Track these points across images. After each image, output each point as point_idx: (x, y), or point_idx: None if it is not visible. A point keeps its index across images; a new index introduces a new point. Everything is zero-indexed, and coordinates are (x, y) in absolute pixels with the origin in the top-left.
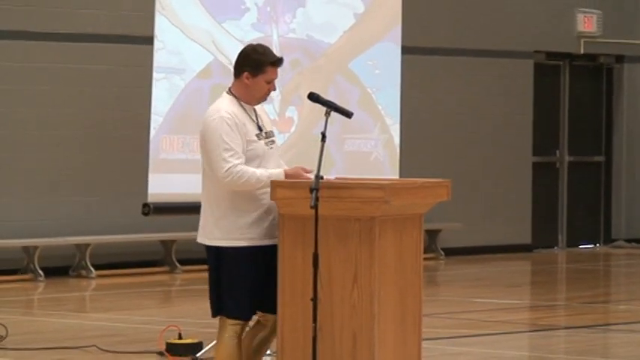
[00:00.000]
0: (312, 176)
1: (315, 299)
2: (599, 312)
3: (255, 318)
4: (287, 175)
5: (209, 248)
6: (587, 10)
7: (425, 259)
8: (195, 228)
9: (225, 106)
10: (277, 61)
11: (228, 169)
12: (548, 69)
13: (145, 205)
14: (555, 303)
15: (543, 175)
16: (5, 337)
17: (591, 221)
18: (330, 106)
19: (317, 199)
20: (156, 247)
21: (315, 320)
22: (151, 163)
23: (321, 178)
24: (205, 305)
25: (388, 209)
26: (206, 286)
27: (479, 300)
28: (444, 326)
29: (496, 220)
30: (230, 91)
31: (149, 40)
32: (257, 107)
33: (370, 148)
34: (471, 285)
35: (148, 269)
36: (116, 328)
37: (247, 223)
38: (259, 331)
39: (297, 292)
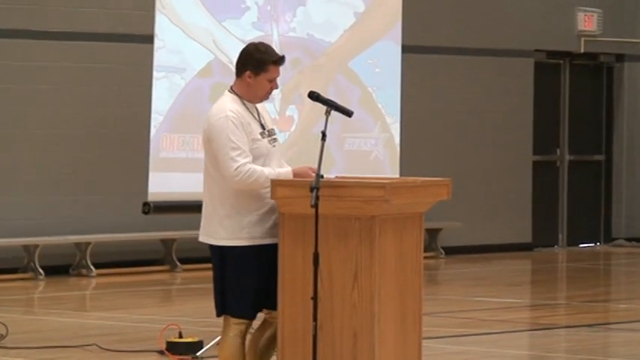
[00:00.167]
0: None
1: (315, 298)
2: (599, 311)
3: (260, 317)
4: (295, 174)
5: (213, 247)
6: (587, 8)
7: (425, 258)
8: (196, 227)
9: (229, 105)
10: (279, 60)
11: (237, 168)
12: (548, 68)
13: (146, 203)
14: (556, 302)
15: (544, 174)
16: (5, 336)
17: (592, 220)
18: (331, 105)
19: (317, 198)
20: (156, 245)
21: (315, 319)
22: (151, 162)
23: (322, 177)
24: (205, 304)
25: (388, 208)
26: (206, 285)
27: (479, 299)
28: (445, 325)
29: (496, 218)
30: (232, 90)
31: (149, 39)
32: (258, 105)
33: (370, 147)
34: (471, 284)
35: (148, 268)
36: (116, 326)
37: (252, 222)
38: (266, 329)
39: (297, 291)
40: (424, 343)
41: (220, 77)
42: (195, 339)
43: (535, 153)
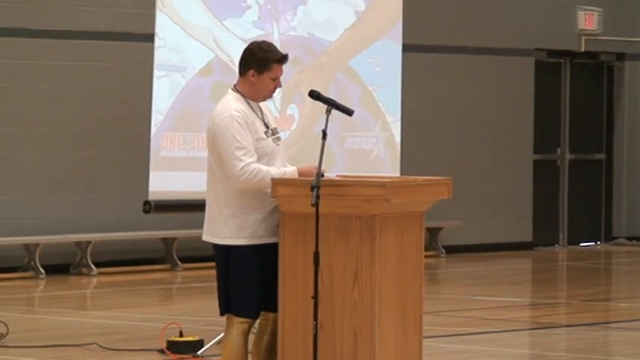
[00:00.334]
0: (326, 175)
1: (315, 297)
2: (599, 310)
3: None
4: (300, 174)
5: (217, 247)
6: (588, 7)
7: (426, 256)
8: (197, 226)
9: (233, 104)
10: (282, 58)
11: (243, 167)
12: (549, 67)
13: (146, 202)
14: (556, 301)
15: (544, 173)
16: (6, 335)
17: (592, 219)
18: (331, 104)
19: (318, 196)
20: (157, 244)
21: (315, 318)
22: (151, 161)
23: (322, 175)
24: (206, 303)
25: (389, 207)
26: (207, 284)
27: (479, 298)
28: (445, 324)
29: (497, 217)
30: (236, 89)
31: (150, 38)
32: (261, 104)
33: (371, 146)
34: (471, 283)
35: (148, 267)
36: (117, 325)
37: (256, 221)
38: (263, 334)
39: (297, 290)
40: (424, 341)
41: (221, 76)
42: (196, 338)
43: (536, 152)
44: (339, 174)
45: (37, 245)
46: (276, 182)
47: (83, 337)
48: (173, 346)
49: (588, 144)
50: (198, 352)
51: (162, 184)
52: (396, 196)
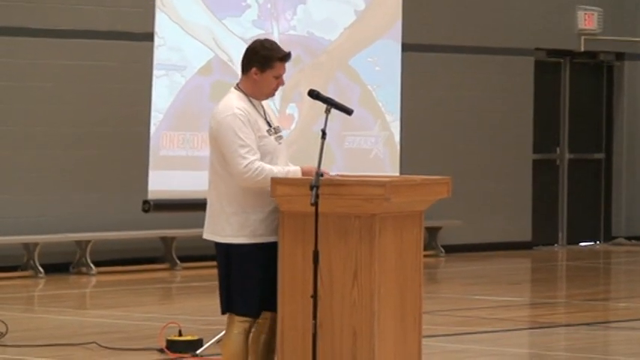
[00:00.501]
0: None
1: (315, 296)
2: (599, 309)
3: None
4: (304, 173)
5: (218, 245)
6: (587, 7)
7: (425, 256)
8: (196, 225)
9: (236, 102)
10: (285, 56)
11: (247, 165)
12: (548, 66)
13: (145, 201)
14: (555, 300)
15: (543, 173)
16: (5, 334)
17: (591, 218)
18: (331, 104)
19: (317, 196)
20: (156, 243)
21: (315, 317)
22: (151, 160)
23: (322, 175)
24: (206, 302)
25: (388, 206)
26: (206, 283)
27: (479, 297)
28: (444, 323)
29: (496, 217)
30: (238, 87)
31: (149, 37)
32: (263, 103)
33: (370, 145)
34: (471, 282)
35: (148, 266)
36: (116, 324)
37: (258, 219)
38: (261, 332)
39: (297, 289)
40: (424, 341)
41: (220, 75)
42: (195, 337)
43: (535, 151)
44: (339, 173)
45: (36, 244)
46: (276, 181)
47: (82, 336)
48: (172, 345)
49: (588, 143)
50: (198, 352)
51: (162, 183)
52: (395, 196)
